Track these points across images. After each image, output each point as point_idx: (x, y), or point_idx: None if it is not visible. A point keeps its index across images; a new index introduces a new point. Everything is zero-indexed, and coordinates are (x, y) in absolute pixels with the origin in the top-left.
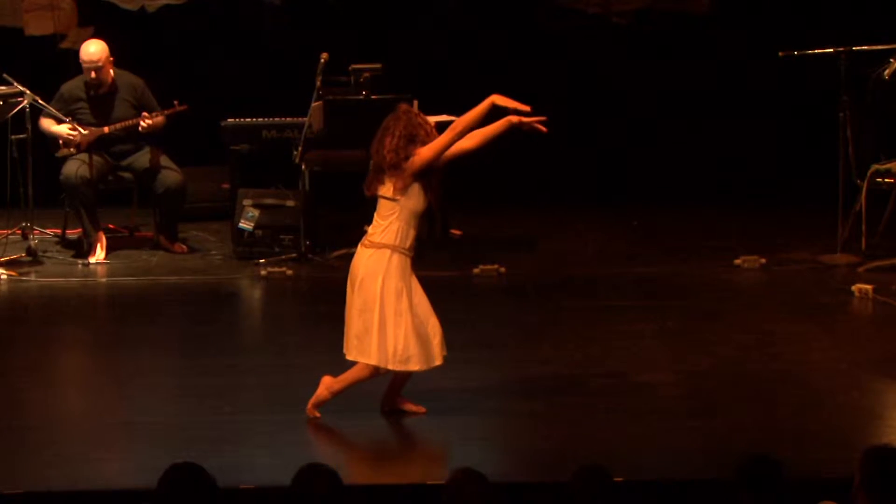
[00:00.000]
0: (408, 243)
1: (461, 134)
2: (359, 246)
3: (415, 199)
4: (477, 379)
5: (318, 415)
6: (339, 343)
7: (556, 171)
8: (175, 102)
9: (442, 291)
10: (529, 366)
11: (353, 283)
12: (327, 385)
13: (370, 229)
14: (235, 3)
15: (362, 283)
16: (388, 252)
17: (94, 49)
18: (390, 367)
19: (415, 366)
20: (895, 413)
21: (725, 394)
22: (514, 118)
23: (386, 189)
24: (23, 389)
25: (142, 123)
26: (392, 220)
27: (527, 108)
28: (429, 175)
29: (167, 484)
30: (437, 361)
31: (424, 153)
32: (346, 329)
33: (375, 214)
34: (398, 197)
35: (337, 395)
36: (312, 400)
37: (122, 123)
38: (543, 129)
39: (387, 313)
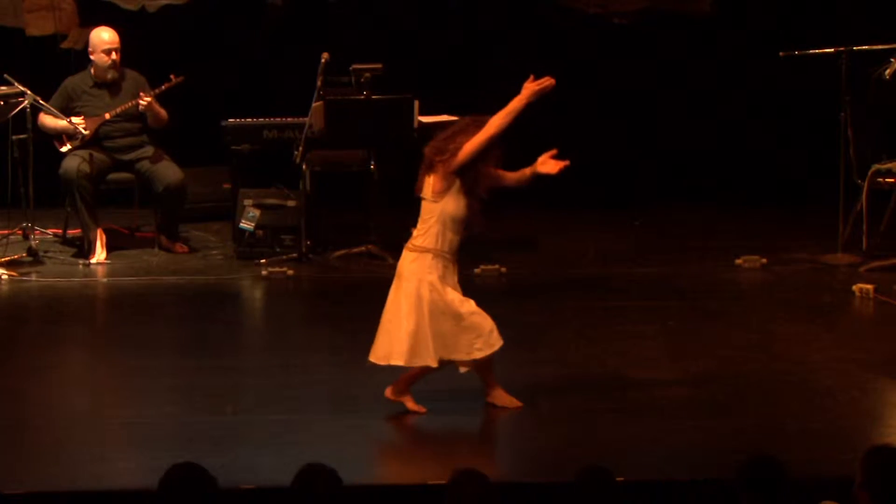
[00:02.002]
0: (447, 247)
1: (498, 136)
2: (404, 248)
3: (453, 203)
4: (478, 379)
5: (423, 409)
6: (340, 343)
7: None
8: (171, 76)
9: None
10: (530, 366)
11: (399, 285)
12: (398, 389)
13: (415, 232)
14: (235, 3)
15: (406, 286)
16: (429, 256)
17: (108, 35)
18: (436, 362)
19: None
20: None
21: (727, 394)
22: (540, 168)
23: (426, 190)
24: (24, 389)
25: (141, 102)
26: (431, 224)
27: (551, 82)
28: (469, 177)
29: (168, 484)
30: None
31: (466, 147)
32: (381, 330)
33: (419, 217)
34: (437, 199)
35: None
36: (409, 406)
37: (122, 107)
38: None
39: (425, 314)
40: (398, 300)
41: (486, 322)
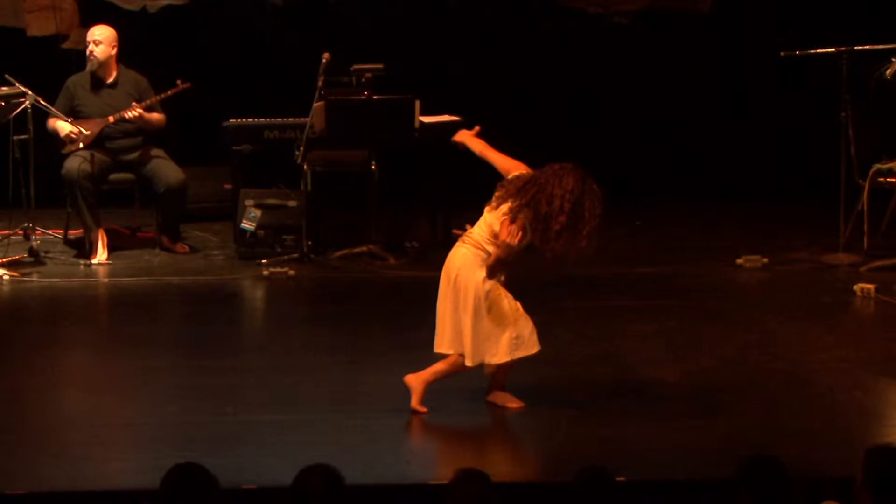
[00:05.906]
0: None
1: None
2: (458, 242)
3: (506, 229)
4: (477, 378)
5: (424, 409)
6: (340, 343)
7: None
8: (178, 81)
9: None
10: (529, 366)
11: (449, 279)
12: (417, 380)
13: (472, 228)
14: (236, 3)
15: (457, 279)
16: (482, 255)
17: (94, 28)
18: (475, 362)
19: (495, 359)
20: None
21: (727, 393)
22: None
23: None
24: (24, 389)
25: (127, 114)
26: (490, 233)
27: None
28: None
29: (169, 484)
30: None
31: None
32: (438, 321)
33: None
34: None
35: (429, 385)
36: (413, 401)
37: (120, 113)
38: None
39: (469, 309)
40: (445, 292)
41: (527, 324)
